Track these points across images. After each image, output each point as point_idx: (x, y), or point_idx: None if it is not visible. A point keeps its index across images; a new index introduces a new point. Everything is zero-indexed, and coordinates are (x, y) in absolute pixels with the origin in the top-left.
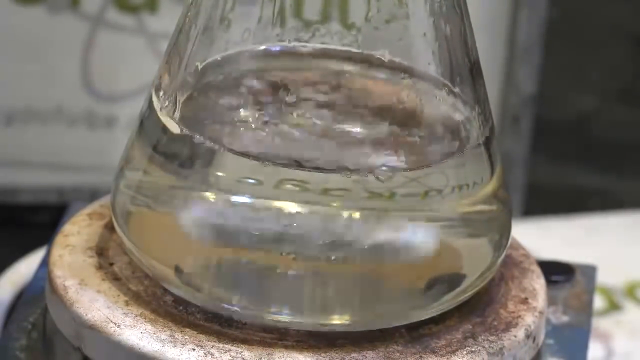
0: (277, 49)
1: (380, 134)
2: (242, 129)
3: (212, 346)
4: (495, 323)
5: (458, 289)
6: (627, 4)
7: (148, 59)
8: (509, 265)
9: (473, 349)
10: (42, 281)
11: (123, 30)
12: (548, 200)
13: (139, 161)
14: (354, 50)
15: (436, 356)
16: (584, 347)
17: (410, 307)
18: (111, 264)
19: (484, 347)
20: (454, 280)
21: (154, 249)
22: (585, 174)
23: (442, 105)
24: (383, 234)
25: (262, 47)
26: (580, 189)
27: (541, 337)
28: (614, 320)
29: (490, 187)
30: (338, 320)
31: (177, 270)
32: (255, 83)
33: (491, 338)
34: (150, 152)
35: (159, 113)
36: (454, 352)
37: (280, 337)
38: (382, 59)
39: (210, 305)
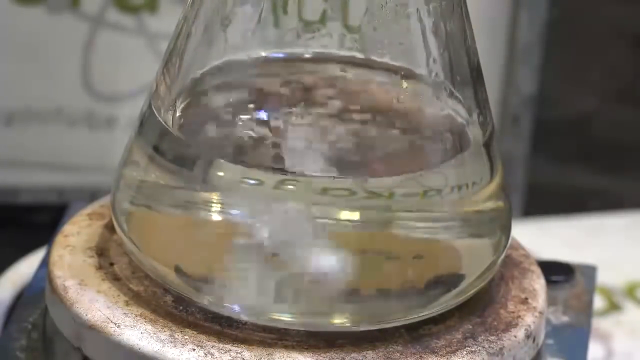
0: (277, 54)
1: (380, 136)
2: (241, 134)
3: (212, 346)
4: (495, 323)
5: (458, 289)
6: (627, 5)
7: (148, 59)
8: (509, 265)
9: (473, 349)
10: (42, 281)
11: (123, 30)
12: (548, 200)
13: (139, 161)
14: (354, 53)
15: (436, 356)
16: (584, 347)
17: (410, 307)
18: (111, 264)
19: (484, 347)
20: (453, 280)
21: (154, 249)
22: (585, 174)
23: (442, 106)
24: (382, 234)
25: (262, 53)
26: (580, 189)
27: (541, 337)
28: (614, 320)
29: (490, 188)
30: (338, 320)
31: (177, 270)
32: (254, 88)
33: (491, 338)
34: (150, 152)
35: (158, 116)
36: (454, 352)
37: (280, 337)
38: (382, 60)
39: (210, 305)
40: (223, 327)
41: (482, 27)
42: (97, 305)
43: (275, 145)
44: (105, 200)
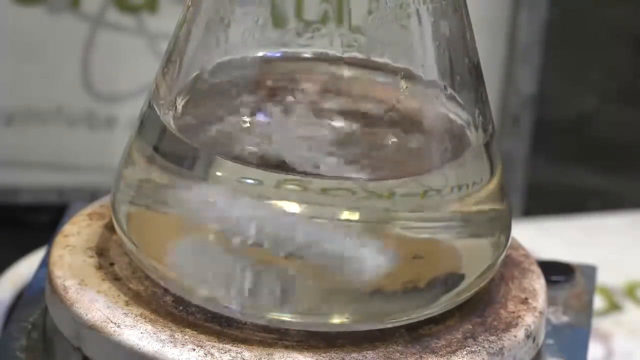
0: (277, 53)
1: (380, 136)
2: (241, 133)
3: (212, 346)
4: (495, 323)
5: (458, 289)
6: (627, 5)
7: (148, 59)
8: (509, 265)
9: (473, 349)
10: (42, 281)
11: (123, 30)
12: (548, 200)
13: (139, 161)
14: (354, 53)
15: (436, 356)
16: (584, 347)
17: (410, 307)
18: (111, 264)
19: (484, 347)
20: (454, 280)
21: (154, 249)
22: (585, 174)
23: (442, 107)
24: (382, 234)
25: (262, 52)
26: (580, 189)
27: (541, 337)
28: (614, 320)
29: (490, 188)
30: (338, 320)
31: (177, 270)
32: (254, 88)
33: (491, 338)
34: (150, 152)
35: (158, 116)
36: (454, 352)
37: (280, 337)
38: (382, 60)
39: (210, 305)
40: (223, 327)
41: (482, 27)
42: (97, 305)
43: (276, 144)
44: (105, 200)
